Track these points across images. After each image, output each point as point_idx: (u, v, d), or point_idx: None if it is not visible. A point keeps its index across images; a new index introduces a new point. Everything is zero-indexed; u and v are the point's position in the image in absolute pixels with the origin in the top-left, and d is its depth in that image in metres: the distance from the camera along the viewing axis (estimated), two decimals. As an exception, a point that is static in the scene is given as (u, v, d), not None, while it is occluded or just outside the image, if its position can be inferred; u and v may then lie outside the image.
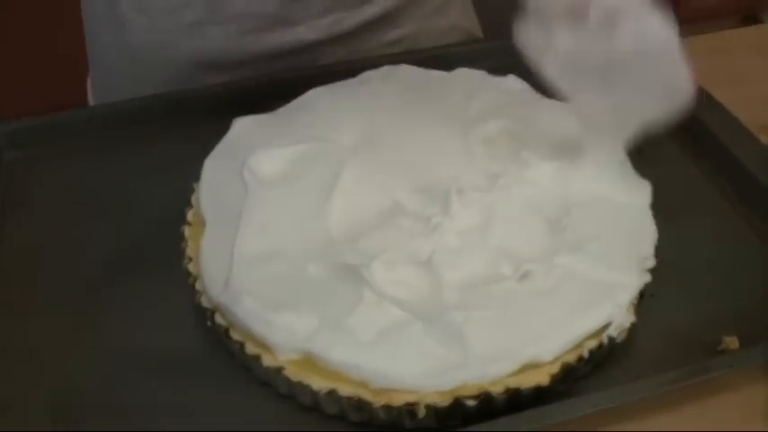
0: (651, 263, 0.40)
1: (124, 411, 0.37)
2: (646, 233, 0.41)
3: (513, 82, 0.50)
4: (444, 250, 0.38)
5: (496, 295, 0.37)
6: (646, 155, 0.45)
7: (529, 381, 0.35)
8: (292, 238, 0.39)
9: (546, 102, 0.48)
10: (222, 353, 0.39)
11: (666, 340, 0.40)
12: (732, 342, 0.39)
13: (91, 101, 0.68)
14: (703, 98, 0.52)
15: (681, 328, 0.41)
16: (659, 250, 0.42)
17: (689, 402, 0.38)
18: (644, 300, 0.40)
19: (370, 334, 0.35)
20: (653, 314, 0.41)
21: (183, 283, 0.41)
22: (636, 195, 0.43)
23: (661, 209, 0.43)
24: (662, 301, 0.42)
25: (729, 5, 1.48)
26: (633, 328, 0.39)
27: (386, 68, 0.52)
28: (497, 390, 0.34)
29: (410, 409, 0.34)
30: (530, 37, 0.41)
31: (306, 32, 0.60)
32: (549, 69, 0.41)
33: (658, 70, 0.40)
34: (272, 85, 0.55)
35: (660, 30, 0.39)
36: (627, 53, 0.39)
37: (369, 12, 0.62)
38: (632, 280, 0.38)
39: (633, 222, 0.41)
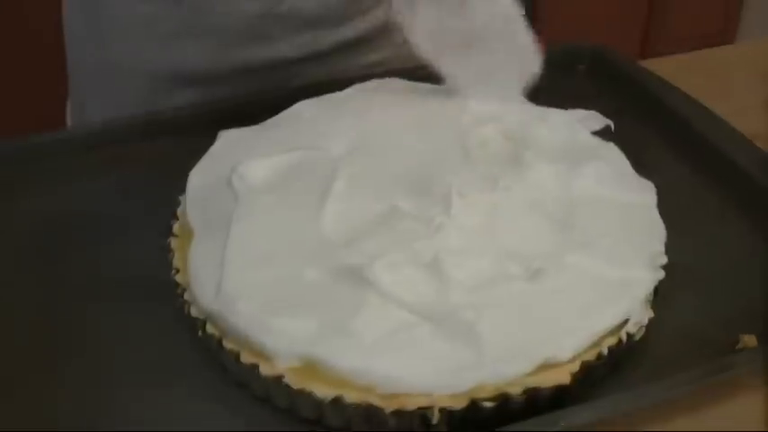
0: (663, 259, 0.38)
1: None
2: (655, 230, 0.39)
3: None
4: (448, 250, 0.36)
5: (507, 294, 0.35)
6: (645, 165, 0.45)
7: (549, 380, 0.32)
8: (287, 242, 0.37)
9: (540, 108, 0.47)
10: (215, 367, 0.37)
11: (683, 341, 0.38)
12: (750, 340, 0.38)
13: (69, 121, 0.66)
14: (702, 110, 0.53)
15: (696, 329, 0.39)
16: (667, 254, 0.40)
17: (710, 403, 0.36)
18: (658, 299, 0.38)
19: (376, 337, 0.33)
20: (667, 316, 0.39)
21: (168, 298, 0.38)
22: (641, 195, 0.41)
23: (664, 216, 0.42)
24: (675, 303, 0.40)
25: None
26: (649, 328, 0.37)
27: (374, 81, 0.51)
28: (516, 391, 0.32)
29: (423, 413, 0.31)
30: (400, 10, 0.47)
31: (283, 49, 0.59)
32: (416, 39, 0.47)
33: (507, 41, 0.46)
34: (252, 103, 0.53)
35: (505, 7, 0.45)
36: (479, 27, 0.45)
37: (346, 33, 0.61)
38: (646, 275, 0.37)
39: (641, 220, 0.40)
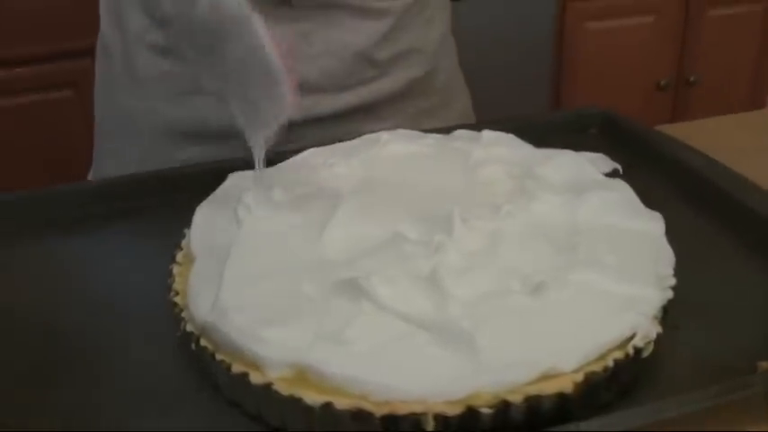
0: (671, 281, 0.37)
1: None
2: (663, 255, 0.38)
3: (513, 139, 0.50)
4: (448, 267, 0.36)
5: (508, 307, 0.34)
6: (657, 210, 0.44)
7: (550, 387, 0.31)
8: (285, 261, 0.37)
9: (547, 150, 0.47)
10: (208, 388, 0.35)
11: (698, 369, 0.36)
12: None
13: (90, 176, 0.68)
14: (708, 161, 0.53)
15: (712, 358, 0.37)
16: (680, 289, 0.39)
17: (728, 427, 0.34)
18: (668, 326, 0.37)
19: (370, 345, 0.32)
20: (681, 346, 0.38)
21: (169, 330, 0.38)
22: (648, 224, 0.41)
23: (677, 255, 0.41)
24: (689, 334, 0.38)
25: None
26: (663, 356, 0.36)
27: (384, 132, 0.52)
28: (516, 398, 0.30)
29: (417, 419, 0.30)
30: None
31: None
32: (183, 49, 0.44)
33: (241, 41, 0.40)
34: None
35: (252, 38, 0.40)
36: (207, 23, 0.40)
37: (348, 99, 0.62)
38: (653, 293, 0.35)
39: (649, 246, 0.39)
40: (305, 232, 0.39)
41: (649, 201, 0.50)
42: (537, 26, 1.66)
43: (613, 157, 0.57)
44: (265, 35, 0.40)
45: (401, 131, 0.52)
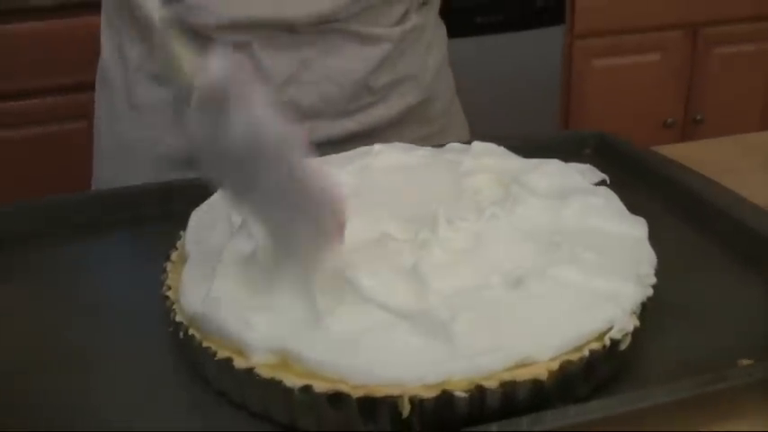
0: (651, 279, 0.37)
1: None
2: (644, 256, 0.39)
3: (502, 150, 0.51)
4: (431, 263, 0.37)
5: (486, 299, 0.35)
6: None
7: (525, 374, 0.31)
8: (275, 258, 0.38)
9: (535, 161, 0.48)
10: (199, 381, 0.36)
11: (678, 368, 0.37)
12: (750, 363, 0.36)
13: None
14: (699, 177, 0.54)
15: (694, 359, 0.38)
16: (664, 292, 0.40)
17: (704, 425, 0.34)
18: (652, 328, 0.38)
19: (350, 332, 0.33)
20: (664, 347, 0.39)
21: (162, 328, 0.39)
22: (632, 228, 0.41)
23: (666, 263, 0.42)
24: (673, 336, 0.39)
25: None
26: (644, 355, 0.36)
27: (376, 144, 0.53)
28: (491, 384, 0.31)
29: (393, 402, 0.30)
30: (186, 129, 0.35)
31: None
32: (206, 169, 0.36)
33: (280, 172, 0.34)
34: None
35: (269, 120, 0.33)
36: (242, 150, 0.33)
37: (346, 126, 0.63)
38: (633, 289, 0.36)
39: (630, 248, 0.40)
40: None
41: (642, 215, 0.51)
42: (544, 63, 1.68)
43: (610, 177, 0.58)
44: (308, 165, 0.35)
45: (395, 144, 0.53)
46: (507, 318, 0.34)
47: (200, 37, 0.58)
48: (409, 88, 0.66)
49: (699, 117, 1.80)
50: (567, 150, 0.63)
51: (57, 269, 0.49)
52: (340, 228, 0.35)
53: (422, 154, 0.50)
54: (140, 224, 0.53)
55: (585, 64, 1.72)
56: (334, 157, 0.52)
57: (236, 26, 0.58)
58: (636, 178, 0.58)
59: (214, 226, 0.43)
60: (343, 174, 0.47)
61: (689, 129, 1.82)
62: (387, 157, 0.50)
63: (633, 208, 0.52)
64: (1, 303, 0.45)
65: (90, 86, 0.69)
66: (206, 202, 0.46)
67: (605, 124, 1.79)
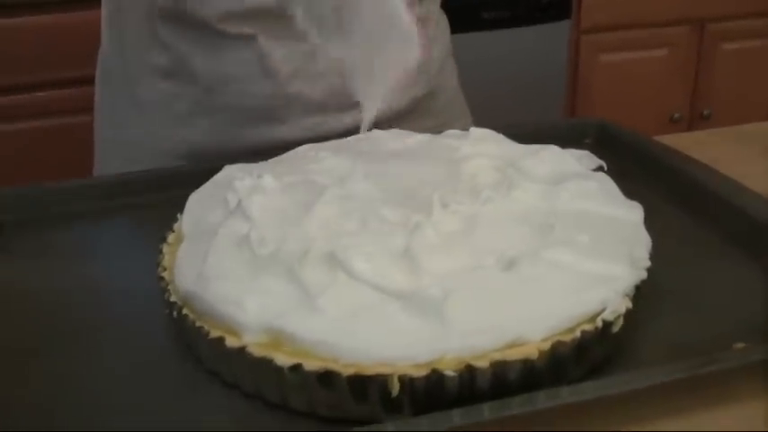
0: (646, 263, 0.37)
1: (88, 412, 0.34)
2: (639, 239, 0.39)
3: (500, 136, 0.51)
4: (424, 245, 0.37)
5: (479, 280, 0.35)
6: (648, 213, 0.45)
7: (515, 354, 0.31)
8: (270, 240, 0.38)
9: (533, 147, 0.48)
10: (191, 360, 0.37)
11: (673, 351, 0.37)
12: (743, 346, 0.36)
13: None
14: (700, 165, 0.54)
15: (688, 341, 0.37)
16: (663, 278, 0.40)
17: (698, 408, 0.34)
18: (648, 312, 0.38)
19: (341, 312, 0.33)
20: (659, 331, 0.38)
21: (157, 308, 0.39)
22: (627, 212, 0.41)
23: (663, 250, 0.42)
24: (668, 320, 0.39)
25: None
26: (638, 339, 0.36)
27: (376, 131, 0.53)
28: (481, 364, 0.31)
29: (383, 381, 0.30)
30: None
31: (288, 131, 0.61)
32: (299, 15, 0.42)
33: (385, 18, 0.40)
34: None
35: None
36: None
37: (354, 118, 0.63)
38: (627, 273, 0.36)
39: (625, 231, 0.39)
40: (290, 213, 0.40)
41: (641, 201, 0.51)
42: (550, 59, 1.68)
43: (610, 165, 0.58)
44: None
45: (394, 130, 0.53)
46: (499, 298, 0.34)
47: (207, 29, 0.58)
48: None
49: (706, 112, 1.80)
50: (568, 139, 0.63)
51: (56, 253, 0.49)
52: (424, 58, 0.39)
53: (419, 139, 0.50)
54: (140, 210, 0.54)
55: (592, 59, 1.72)
56: (332, 143, 0.52)
57: (239, 15, 0.58)
58: (636, 167, 0.57)
59: (211, 208, 0.43)
60: (340, 159, 0.47)
61: (695, 124, 1.81)
62: (384, 142, 0.50)
63: (632, 196, 0.52)
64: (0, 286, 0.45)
65: (94, 80, 0.69)
66: (204, 186, 0.47)
67: (611, 119, 1.79)
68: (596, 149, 0.62)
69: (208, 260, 0.36)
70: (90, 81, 0.69)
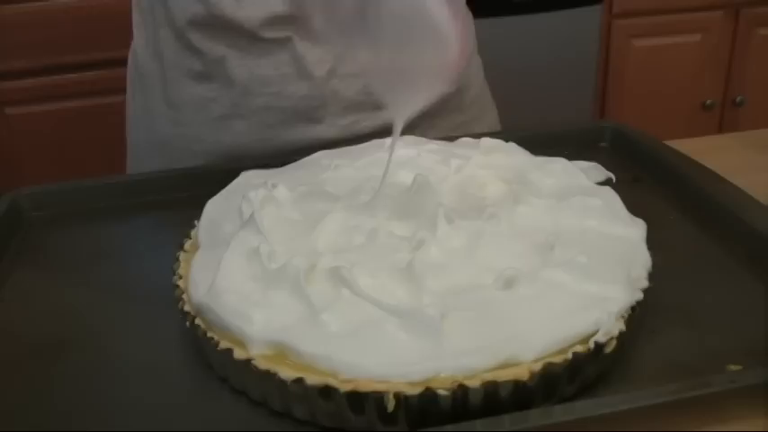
0: (643, 283, 0.38)
1: (99, 417, 0.36)
2: (639, 258, 0.40)
3: (515, 147, 0.52)
4: (426, 263, 0.38)
5: (477, 300, 0.36)
6: (656, 223, 0.45)
7: (507, 375, 0.32)
8: (279, 252, 0.40)
9: (542, 159, 0.49)
10: (203, 365, 0.39)
11: (668, 370, 0.38)
12: (738, 369, 0.37)
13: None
14: (711, 175, 0.54)
15: (683, 360, 0.38)
16: (662, 294, 0.41)
17: (687, 427, 0.35)
18: (645, 329, 0.39)
19: (343, 328, 0.35)
20: (656, 348, 0.39)
21: (172, 312, 0.41)
22: (629, 229, 0.42)
23: (669, 264, 0.43)
24: (665, 337, 0.40)
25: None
26: (634, 356, 0.37)
27: (388, 138, 0.54)
28: (473, 384, 0.32)
29: (379, 398, 0.32)
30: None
31: (324, 130, 0.63)
32: (319, 21, 0.39)
33: (414, 14, 0.36)
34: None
35: None
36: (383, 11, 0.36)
37: (385, 117, 0.64)
38: (623, 294, 0.37)
39: (626, 249, 0.40)
40: (301, 226, 0.42)
41: (651, 212, 0.51)
42: (582, 43, 1.66)
43: (622, 170, 0.59)
44: None
45: (408, 137, 0.54)
46: (495, 318, 0.35)
47: (242, 34, 0.59)
48: None
49: (739, 99, 1.77)
50: (584, 142, 0.64)
51: (81, 251, 0.52)
52: (461, 56, 0.36)
53: (431, 149, 0.51)
54: (165, 209, 0.56)
55: (624, 44, 1.70)
56: (347, 150, 0.53)
57: (273, 21, 0.59)
58: (649, 173, 0.58)
59: (225, 217, 0.45)
60: (354, 168, 0.48)
61: (728, 111, 1.78)
62: (397, 151, 0.51)
63: (642, 203, 0.52)
64: (25, 283, 0.48)
65: (109, 64, 0.70)
66: (221, 193, 0.48)
67: (642, 106, 1.77)
68: (612, 153, 0.63)
69: (219, 272, 0.38)
70: (119, 63, 0.69)
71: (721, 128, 1.80)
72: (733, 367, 0.37)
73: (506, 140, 0.56)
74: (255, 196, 0.45)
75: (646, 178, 0.58)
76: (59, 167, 1.47)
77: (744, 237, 0.48)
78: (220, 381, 0.38)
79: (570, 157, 0.59)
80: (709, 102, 1.77)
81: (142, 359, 0.40)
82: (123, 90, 0.70)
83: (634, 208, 0.50)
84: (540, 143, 0.61)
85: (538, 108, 1.61)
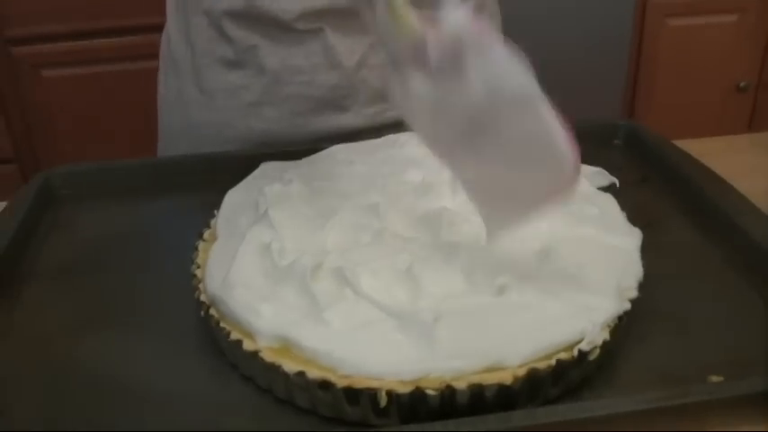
0: (632, 293, 0.40)
1: (116, 392, 0.40)
2: (631, 268, 0.42)
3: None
4: (426, 265, 0.40)
5: (470, 305, 0.38)
6: (657, 226, 0.46)
7: (492, 378, 0.35)
8: (289, 250, 0.42)
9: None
10: (216, 351, 0.42)
11: (651, 377, 0.40)
12: (718, 381, 0.39)
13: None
14: (717, 180, 0.55)
15: (668, 368, 0.40)
16: (655, 300, 0.43)
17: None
18: (633, 337, 0.40)
19: (344, 326, 0.37)
20: (641, 355, 0.41)
21: (189, 294, 0.44)
22: (624, 238, 0.44)
23: (664, 270, 0.44)
24: (653, 345, 0.42)
25: None
26: (619, 361, 0.39)
27: (406, 134, 0.56)
28: (460, 385, 0.35)
29: (373, 394, 0.35)
30: (395, 91, 0.37)
31: (351, 119, 0.65)
32: (418, 129, 0.37)
33: (522, 123, 0.34)
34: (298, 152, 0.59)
35: (512, 69, 0.33)
36: (480, 103, 0.33)
37: None
38: (610, 304, 0.39)
39: (619, 259, 0.42)
40: (312, 223, 0.45)
41: (654, 214, 0.53)
42: (615, 21, 1.64)
43: (633, 169, 0.60)
44: (551, 117, 0.34)
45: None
46: (485, 324, 0.37)
47: (276, 25, 0.61)
48: None
49: (774, 82, 1.74)
50: (599, 139, 0.65)
51: (107, 230, 0.55)
52: (574, 177, 0.34)
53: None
54: (191, 192, 0.58)
55: (658, 24, 1.67)
56: (363, 145, 0.55)
57: (313, 14, 0.61)
58: (658, 173, 0.59)
59: (243, 210, 0.48)
60: (367, 164, 0.51)
61: (763, 94, 1.76)
62: (410, 148, 0.53)
63: (647, 205, 0.54)
64: (54, 259, 0.52)
65: (145, 29, 0.71)
66: (239, 184, 0.51)
67: (675, 86, 1.75)
68: (625, 151, 0.65)
69: (233, 266, 0.41)
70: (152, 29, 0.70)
71: (755, 110, 1.77)
72: (714, 378, 0.39)
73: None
74: (270, 191, 0.47)
75: (654, 179, 0.59)
76: (92, 129, 1.52)
77: (742, 244, 0.49)
78: (231, 367, 0.41)
79: (583, 154, 0.60)
80: (743, 84, 1.74)
81: (160, 340, 0.43)
82: (157, 56, 0.72)
83: (638, 209, 0.52)
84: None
85: (568, 88, 1.60)
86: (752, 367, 0.40)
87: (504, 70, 0.33)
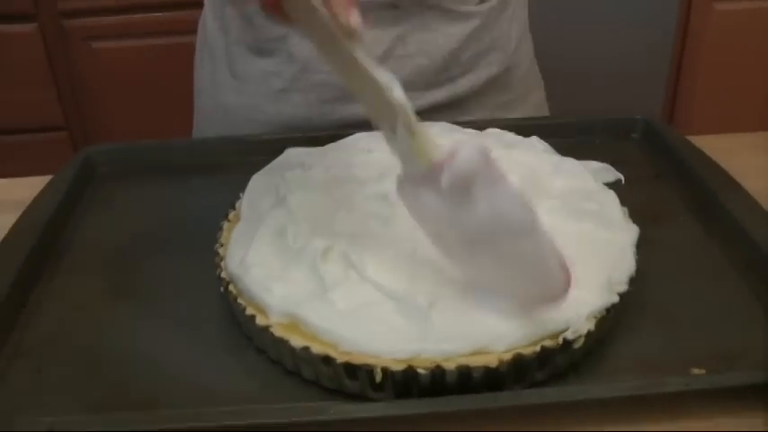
0: (622, 288, 0.42)
1: (141, 358, 0.44)
2: (623, 263, 0.44)
3: (536, 142, 0.56)
4: (428, 253, 0.43)
5: (466, 291, 0.41)
6: (663, 223, 0.48)
7: (478, 360, 0.38)
8: (303, 234, 0.46)
9: (556, 158, 0.53)
10: (234, 324, 0.45)
11: (636, 367, 0.42)
12: (699, 373, 0.41)
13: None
14: (729, 181, 0.56)
15: (653, 359, 0.43)
16: (650, 293, 0.45)
17: (644, 422, 0.39)
18: (623, 327, 0.43)
19: (347, 306, 0.41)
20: (629, 345, 0.44)
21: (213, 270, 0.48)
22: (620, 234, 0.46)
23: (663, 266, 0.46)
24: (641, 336, 0.44)
25: None
26: (606, 353, 0.42)
27: (427, 123, 0.58)
28: (449, 366, 0.38)
29: (370, 370, 0.38)
30: (408, 200, 0.42)
31: None
32: (423, 226, 0.41)
33: (520, 247, 0.38)
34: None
35: (515, 204, 0.38)
36: (483, 226, 0.38)
37: (436, 96, 0.69)
38: (597, 298, 0.41)
39: (612, 254, 0.44)
40: (327, 208, 0.48)
41: (661, 211, 0.55)
42: (660, 5, 1.62)
43: (648, 164, 0.62)
44: (549, 242, 0.38)
45: (441, 124, 0.59)
46: (477, 310, 0.40)
47: None
48: (493, 59, 0.71)
49: (823, 71, 1.70)
50: (616, 133, 0.67)
51: (144, 206, 0.59)
52: (565, 287, 0.38)
53: (458, 138, 0.56)
54: (223, 172, 0.62)
55: (705, 7, 1.65)
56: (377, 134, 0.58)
57: None
58: (669, 170, 0.61)
59: (265, 193, 0.51)
60: (385, 152, 0.53)
61: (811, 83, 1.72)
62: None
63: (655, 201, 0.56)
64: (93, 232, 0.56)
65: (192, 4, 0.73)
66: (264, 169, 0.54)
67: (720, 74, 1.72)
68: (642, 145, 0.66)
69: (251, 247, 0.45)
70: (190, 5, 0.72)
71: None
72: (696, 371, 0.41)
73: (540, 128, 0.60)
74: (291, 177, 0.51)
75: (667, 175, 0.61)
76: (139, 100, 1.57)
77: (743, 244, 0.50)
78: (247, 339, 0.44)
79: (600, 148, 0.62)
80: (791, 72, 1.71)
81: (184, 311, 0.47)
82: (188, 32, 0.75)
83: (647, 205, 0.53)
84: (573, 131, 0.65)
85: (610, 74, 1.60)
86: (737, 362, 0.42)
87: (509, 203, 0.38)
